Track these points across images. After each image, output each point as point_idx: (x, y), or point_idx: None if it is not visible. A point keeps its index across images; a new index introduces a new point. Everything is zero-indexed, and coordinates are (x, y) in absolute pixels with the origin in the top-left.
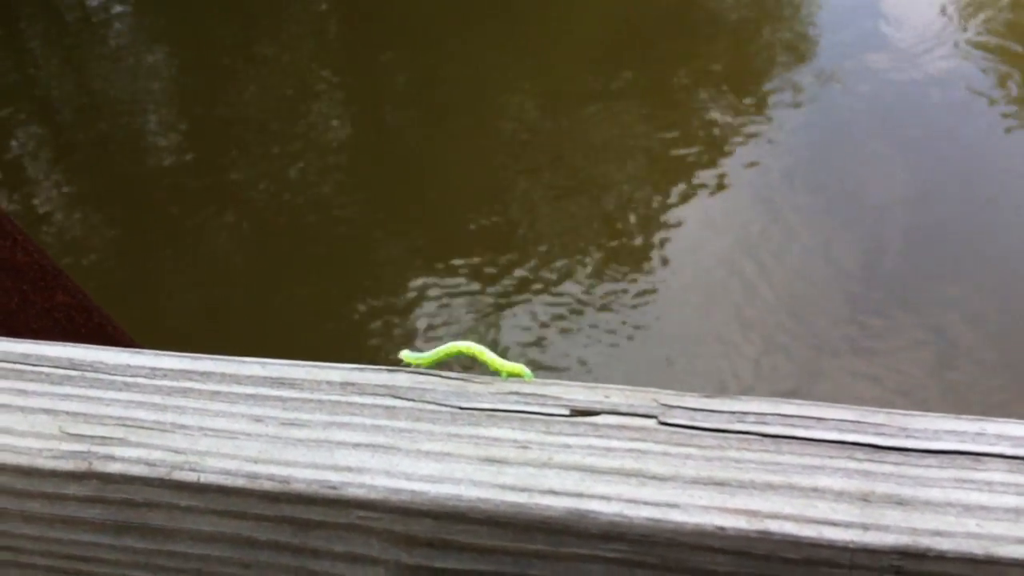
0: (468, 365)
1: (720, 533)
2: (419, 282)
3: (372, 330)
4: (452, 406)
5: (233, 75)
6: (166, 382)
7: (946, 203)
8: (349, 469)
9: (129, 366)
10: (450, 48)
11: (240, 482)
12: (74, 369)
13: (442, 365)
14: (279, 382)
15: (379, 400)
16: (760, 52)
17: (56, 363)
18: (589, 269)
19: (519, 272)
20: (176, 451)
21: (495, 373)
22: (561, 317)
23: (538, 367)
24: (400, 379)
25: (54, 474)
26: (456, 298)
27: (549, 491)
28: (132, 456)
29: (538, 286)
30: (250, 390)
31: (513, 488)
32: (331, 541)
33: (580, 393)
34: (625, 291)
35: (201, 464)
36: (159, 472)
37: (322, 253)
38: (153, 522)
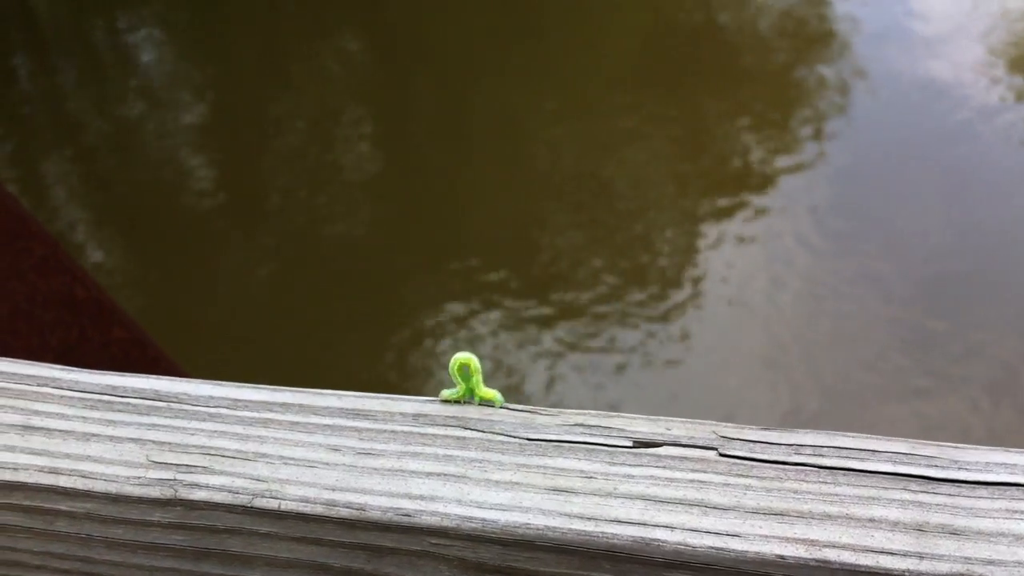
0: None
1: (780, 561)
2: (447, 308)
3: (400, 358)
4: (520, 437)
5: (263, 101)
6: (247, 413)
7: (985, 239)
8: (422, 497)
9: (212, 397)
10: (479, 74)
11: (318, 509)
12: (160, 400)
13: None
14: (354, 413)
15: (450, 431)
16: (793, 77)
17: (143, 394)
18: (617, 297)
19: (547, 299)
20: (258, 479)
21: (470, 391)
22: (587, 348)
23: (560, 397)
24: (470, 411)
25: (141, 501)
26: (484, 325)
27: (615, 520)
28: (216, 484)
29: (566, 314)
30: (327, 421)
31: (580, 517)
32: (403, 567)
33: (642, 425)
34: (655, 321)
35: (282, 492)
36: (242, 500)
37: (349, 280)
38: (232, 548)
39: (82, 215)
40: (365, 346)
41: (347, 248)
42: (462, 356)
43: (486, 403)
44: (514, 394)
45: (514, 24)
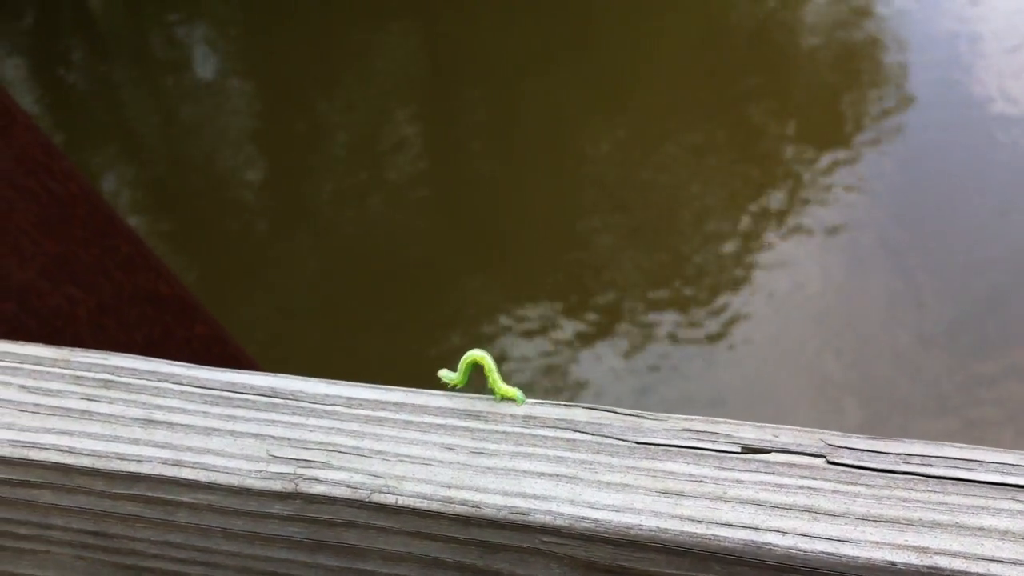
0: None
1: (891, 568)
2: (493, 317)
3: (444, 362)
4: (629, 440)
5: (316, 109)
6: (362, 411)
7: None
8: (536, 496)
9: (327, 395)
10: (527, 81)
11: (435, 506)
12: (277, 397)
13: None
14: (466, 413)
15: (560, 433)
16: (847, 90)
17: (260, 391)
18: (665, 311)
19: (594, 310)
20: (375, 475)
21: (491, 390)
22: (632, 359)
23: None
24: (578, 414)
25: (261, 494)
26: (529, 334)
27: (726, 524)
28: (335, 479)
29: (613, 325)
30: (440, 420)
31: (691, 519)
32: (514, 564)
33: (750, 431)
34: (703, 335)
35: (398, 488)
36: (360, 494)
37: (398, 286)
38: (347, 541)
39: (131, 216)
40: (410, 348)
41: (393, 250)
42: (475, 354)
43: (508, 400)
44: (557, 397)
45: (564, 32)
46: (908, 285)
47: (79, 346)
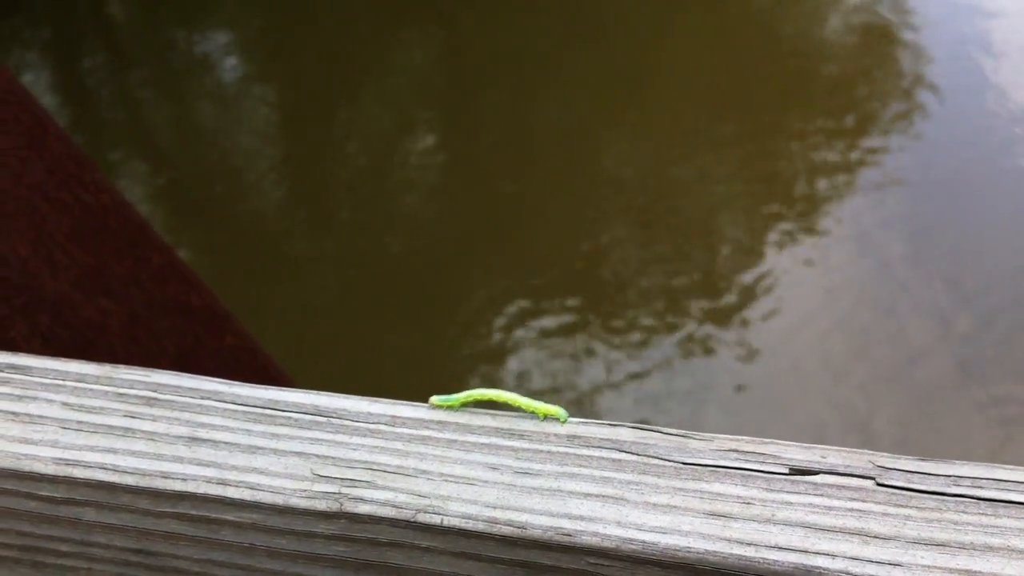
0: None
1: None
2: (511, 323)
3: (462, 370)
4: (675, 461)
5: (335, 114)
6: (405, 430)
7: None
8: (582, 518)
9: (370, 413)
10: (547, 90)
11: (480, 526)
12: (320, 415)
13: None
14: (509, 433)
15: (605, 453)
16: (867, 103)
17: (303, 409)
18: (683, 320)
19: (611, 319)
20: (420, 495)
21: (533, 414)
22: (646, 373)
23: (621, 416)
24: (623, 433)
25: (307, 513)
26: (547, 340)
27: (775, 546)
28: (380, 499)
29: (629, 334)
30: (484, 440)
31: (740, 542)
32: None
33: (797, 453)
34: (720, 346)
35: (444, 508)
36: (405, 514)
37: (415, 291)
38: (392, 561)
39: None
40: (426, 357)
41: (412, 257)
42: (491, 395)
43: (552, 418)
44: (576, 410)
45: (581, 37)
46: (927, 289)
47: (111, 357)
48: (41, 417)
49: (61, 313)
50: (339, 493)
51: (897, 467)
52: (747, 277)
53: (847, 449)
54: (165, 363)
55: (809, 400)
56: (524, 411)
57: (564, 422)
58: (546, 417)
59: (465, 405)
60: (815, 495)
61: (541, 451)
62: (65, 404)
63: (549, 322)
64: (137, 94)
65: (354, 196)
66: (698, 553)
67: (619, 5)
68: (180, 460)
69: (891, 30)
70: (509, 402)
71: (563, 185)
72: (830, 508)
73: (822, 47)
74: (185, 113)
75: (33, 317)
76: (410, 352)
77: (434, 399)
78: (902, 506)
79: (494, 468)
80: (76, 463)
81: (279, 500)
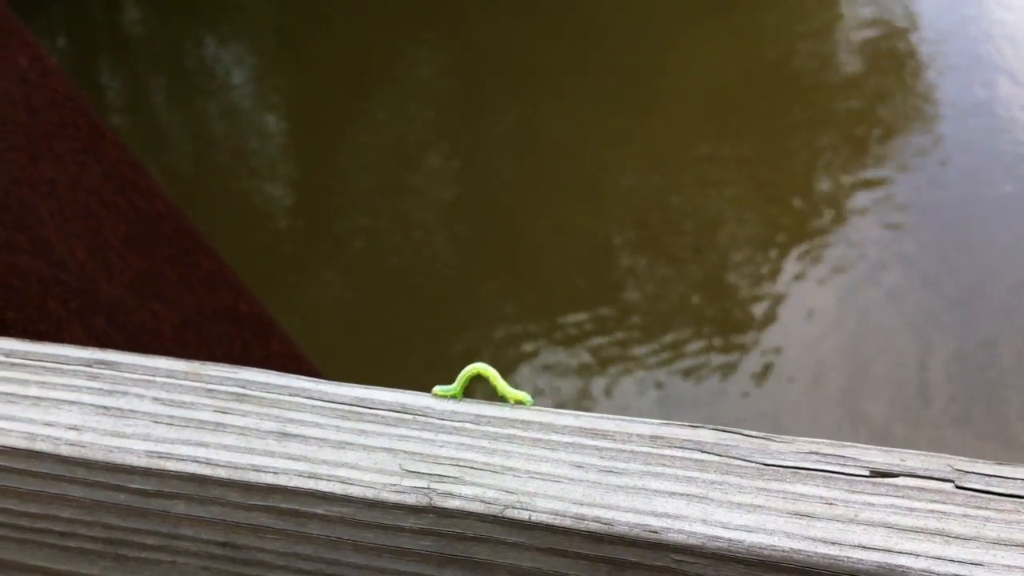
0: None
1: None
2: (519, 337)
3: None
4: (757, 462)
5: (346, 128)
6: (491, 428)
7: None
8: (667, 515)
9: (455, 412)
10: (560, 103)
11: (567, 522)
12: (407, 413)
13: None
14: (593, 432)
15: (688, 453)
16: (878, 118)
17: (390, 407)
18: (691, 334)
19: (619, 332)
20: (508, 491)
21: (501, 397)
22: (660, 384)
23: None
24: (704, 435)
25: (396, 507)
26: (555, 354)
27: (859, 546)
28: (469, 494)
29: (637, 347)
30: (568, 439)
31: (824, 541)
32: None
33: (877, 455)
34: (730, 359)
35: (531, 504)
36: (493, 510)
37: (423, 305)
38: (478, 556)
39: None
40: (435, 369)
41: (420, 271)
42: (477, 367)
43: (519, 404)
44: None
45: (594, 46)
46: (941, 306)
47: None
48: (132, 411)
49: (116, 317)
50: (428, 488)
51: (975, 470)
52: (754, 298)
53: (925, 452)
54: None
55: (818, 423)
56: (497, 392)
57: (530, 406)
58: (516, 403)
59: (464, 388)
60: (896, 496)
61: (624, 450)
62: (156, 399)
63: (558, 335)
64: (152, 101)
65: (361, 208)
66: (783, 551)
67: (631, 18)
68: (271, 454)
69: (904, 45)
70: (489, 378)
71: (572, 196)
72: (911, 509)
73: (834, 63)
74: (199, 120)
75: (89, 320)
76: (413, 362)
77: (437, 389)
78: (981, 508)
79: (579, 466)
80: (168, 456)
81: (369, 494)
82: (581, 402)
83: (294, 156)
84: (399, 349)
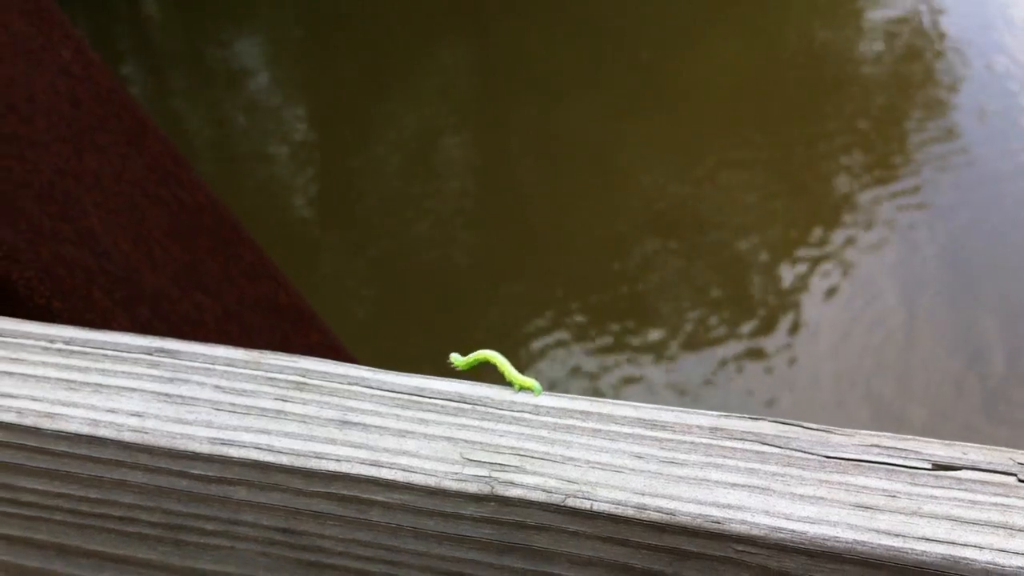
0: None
1: None
2: (537, 334)
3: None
4: (818, 454)
5: (364, 125)
6: (550, 418)
7: None
8: (730, 506)
9: (514, 402)
10: (579, 103)
11: (629, 512)
12: (465, 403)
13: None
14: (652, 424)
15: (748, 445)
16: (901, 123)
17: (449, 396)
18: (708, 336)
19: (637, 332)
20: (569, 480)
21: (509, 383)
22: (673, 385)
23: None
24: (765, 427)
25: (458, 495)
26: (571, 351)
27: (923, 538)
28: (530, 483)
29: (654, 347)
30: (627, 429)
31: (888, 533)
32: (704, 572)
33: (938, 449)
34: (748, 361)
35: (593, 493)
36: (555, 499)
37: (440, 300)
38: (537, 544)
39: None
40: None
41: (439, 267)
42: (486, 354)
43: (526, 390)
44: None
45: (613, 46)
46: (961, 318)
47: None
48: (194, 399)
49: (159, 307)
50: (489, 477)
51: None
52: (777, 300)
53: (987, 447)
54: None
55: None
56: (505, 377)
57: (538, 394)
58: (521, 388)
59: (472, 365)
60: (959, 490)
61: (685, 442)
62: (217, 387)
63: (575, 333)
64: (172, 97)
65: (379, 204)
66: (846, 543)
67: (651, 18)
68: (332, 442)
69: (929, 48)
70: (496, 364)
71: (591, 195)
72: (974, 502)
73: (855, 60)
74: (219, 116)
75: (133, 310)
76: (432, 359)
77: (453, 356)
78: None
79: (640, 457)
80: (231, 443)
81: (431, 482)
82: (599, 396)
83: (317, 150)
84: (418, 341)
